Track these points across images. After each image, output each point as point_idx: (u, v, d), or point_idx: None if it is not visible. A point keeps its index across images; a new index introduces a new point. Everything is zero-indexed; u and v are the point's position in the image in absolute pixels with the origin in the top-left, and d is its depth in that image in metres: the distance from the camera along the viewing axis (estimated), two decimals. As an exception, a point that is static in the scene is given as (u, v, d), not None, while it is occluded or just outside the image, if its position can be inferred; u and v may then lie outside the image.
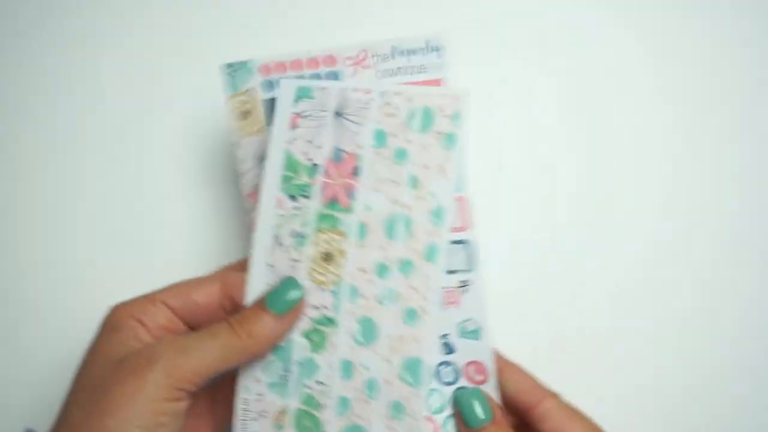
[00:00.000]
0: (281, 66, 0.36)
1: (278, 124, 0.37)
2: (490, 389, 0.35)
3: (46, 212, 0.46)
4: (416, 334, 0.34)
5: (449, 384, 0.35)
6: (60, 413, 0.31)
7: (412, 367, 0.34)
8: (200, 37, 0.47)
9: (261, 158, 0.36)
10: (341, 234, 0.36)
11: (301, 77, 0.36)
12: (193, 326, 0.34)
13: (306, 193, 0.36)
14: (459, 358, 0.35)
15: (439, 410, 0.35)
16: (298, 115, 0.37)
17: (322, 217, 0.36)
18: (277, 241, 0.36)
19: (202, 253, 0.44)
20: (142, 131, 0.46)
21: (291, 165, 0.37)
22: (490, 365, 0.35)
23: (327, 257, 0.36)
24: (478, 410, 0.33)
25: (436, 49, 0.36)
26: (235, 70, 0.37)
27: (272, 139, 0.37)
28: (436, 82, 0.36)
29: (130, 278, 0.44)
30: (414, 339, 0.34)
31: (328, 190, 0.36)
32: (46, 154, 0.46)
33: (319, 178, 0.36)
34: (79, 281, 0.45)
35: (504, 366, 0.35)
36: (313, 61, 0.36)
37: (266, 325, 0.32)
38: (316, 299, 0.35)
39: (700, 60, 0.45)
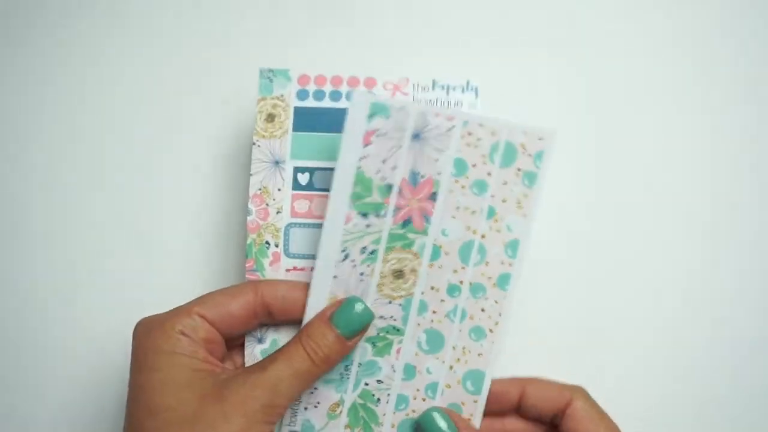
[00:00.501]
0: (321, 79, 0.37)
1: (349, 138, 0.36)
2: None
3: (62, 213, 0.45)
4: (481, 350, 0.38)
5: None
6: None
7: (474, 377, 0.39)
8: (231, 44, 0.47)
9: (276, 162, 0.37)
10: (414, 254, 0.37)
11: (338, 94, 0.37)
12: (227, 336, 0.35)
13: (378, 212, 0.37)
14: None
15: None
16: (371, 132, 0.35)
17: (395, 237, 0.37)
18: (346, 255, 0.38)
19: (210, 254, 0.45)
20: (162, 136, 0.46)
21: (362, 182, 0.36)
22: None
23: (398, 274, 0.38)
24: (441, 423, 0.36)
25: (474, 89, 0.38)
26: (273, 75, 0.37)
27: (342, 153, 0.36)
28: None
29: (140, 279, 0.44)
30: (478, 353, 0.38)
31: (403, 211, 0.36)
32: (63, 159, 0.45)
33: (393, 199, 0.36)
34: (91, 284, 0.45)
35: (525, 382, 0.37)
36: (354, 80, 0.38)
37: (338, 351, 0.34)
38: (385, 311, 0.38)
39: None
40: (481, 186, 0.37)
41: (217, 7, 0.47)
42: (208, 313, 0.33)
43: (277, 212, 0.36)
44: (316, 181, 0.36)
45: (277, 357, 0.33)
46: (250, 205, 0.36)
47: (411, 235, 0.38)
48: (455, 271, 0.38)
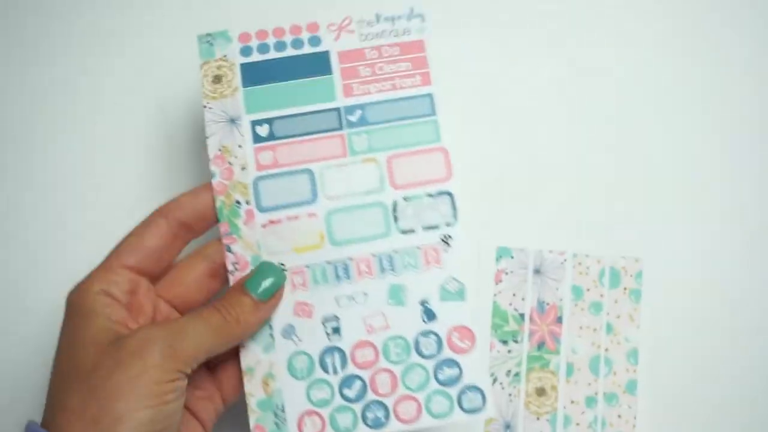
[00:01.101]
0: (263, 33, 0.36)
1: (486, 280, 0.46)
2: (478, 357, 0.34)
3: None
4: (624, 452, 0.43)
5: (431, 357, 0.34)
6: (51, 403, 0.30)
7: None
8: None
9: (232, 120, 0.35)
10: (552, 372, 0.45)
11: (282, 44, 0.36)
12: (153, 275, 0.34)
13: (516, 339, 0.45)
14: (441, 325, 0.35)
15: (422, 386, 0.34)
16: (501, 271, 0.45)
17: (533, 358, 0.45)
18: (494, 379, 0.44)
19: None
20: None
21: (499, 314, 0.45)
22: (476, 329, 0.35)
23: (540, 392, 0.45)
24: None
25: (420, 15, 0.37)
26: (213, 38, 0.36)
27: (483, 294, 0.45)
28: (418, 43, 0.37)
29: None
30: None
31: (536, 335, 0.45)
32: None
33: (527, 326, 0.45)
34: (41, 263, 0.44)
35: None
36: (296, 28, 0.36)
37: (250, 312, 0.33)
38: (534, 427, 0.44)
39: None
40: (596, 306, 0.45)
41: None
42: (129, 260, 0.33)
43: (242, 168, 0.35)
44: (277, 130, 0.35)
45: (187, 314, 0.33)
46: (213, 167, 0.35)
47: (546, 356, 0.45)
48: (589, 384, 0.45)
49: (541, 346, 0.45)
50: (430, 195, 0.35)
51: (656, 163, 0.46)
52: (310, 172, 0.35)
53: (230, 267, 0.35)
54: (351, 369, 0.34)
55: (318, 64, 0.36)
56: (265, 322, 0.34)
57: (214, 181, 0.35)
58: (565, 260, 0.45)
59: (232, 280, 0.35)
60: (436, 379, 0.34)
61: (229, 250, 0.35)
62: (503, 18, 0.47)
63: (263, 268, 0.34)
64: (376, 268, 0.35)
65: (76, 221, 0.45)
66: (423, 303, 0.35)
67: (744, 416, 0.43)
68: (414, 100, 0.36)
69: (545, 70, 0.47)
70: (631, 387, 0.44)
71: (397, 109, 0.36)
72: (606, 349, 0.44)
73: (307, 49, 0.36)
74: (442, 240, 0.35)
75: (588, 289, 0.45)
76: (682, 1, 0.48)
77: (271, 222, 0.35)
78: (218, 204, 0.35)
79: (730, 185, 0.45)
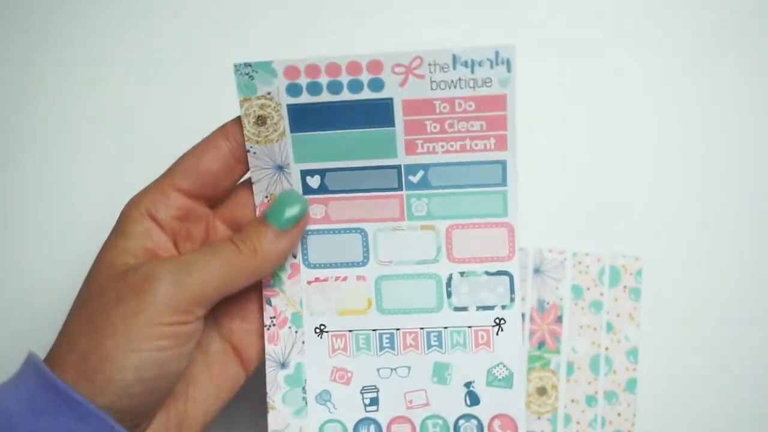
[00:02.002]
0: (314, 69, 0.30)
1: None
2: None
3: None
4: (623, 449, 0.44)
5: None
6: (63, 327, 0.28)
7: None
8: (209, 40, 0.44)
9: (279, 167, 0.32)
10: (552, 372, 0.45)
11: (338, 84, 0.31)
12: (211, 199, 0.31)
13: (518, 339, 0.45)
14: (484, 411, 0.33)
15: None
16: (502, 271, 0.45)
17: (533, 358, 0.45)
18: None
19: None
20: (150, 141, 0.44)
21: None
22: (521, 420, 0.33)
23: (541, 391, 0.45)
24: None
25: (505, 62, 0.31)
26: (253, 70, 0.31)
27: None
28: (499, 100, 0.31)
29: None
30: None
31: (536, 335, 0.45)
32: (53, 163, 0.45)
33: (527, 325, 0.45)
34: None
35: None
36: (355, 66, 0.30)
37: (271, 241, 0.30)
38: (536, 427, 0.44)
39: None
40: (596, 305, 0.45)
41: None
42: (182, 183, 0.30)
43: None
44: (330, 183, 0.32)
45: (201, 247, 0.31)
46: (258, 214, 0.32)
47: (546, 355, 0.45)
48: (589, 383, 0.45)
49: (541, 345, 0.45)
50: (489, 273, 0.33)
51: (656, 162, 0.45)
52: (363, 232, 0.33)
53: (267, 321, 0.32)
54: None
55: (379, 114, 0.31)
56: (288, 254, 0.31)
57: None
58: (565, 259, 0.45)
59: (267, 336, 0.33)
60: None
61: (269, 303, 0.33)
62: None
63: (286, 197, 0.31)
64: (423, 342, 0.33)
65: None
66: (468, 385, 0.33)
67: (744, 415, 0.44)
68: (484, 167, 0.32)
69: (543, 67, 0.46)
70: (631, 385, 0.44)
71: (464, 174, 0.32)
72: (606, 348, 0.44)
73: (366, 94, 0.31)
74: (496, 323, 0.33)
75: (588, 288, 0.45)
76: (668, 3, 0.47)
77: (317, 280, 0.33)
78: None
79: (730, 183, 0.45)
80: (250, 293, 0.33)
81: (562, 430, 0.44)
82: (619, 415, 0.44)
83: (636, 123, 0.46)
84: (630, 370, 0.44)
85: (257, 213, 0.32)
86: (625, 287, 0.44)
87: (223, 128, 0.31)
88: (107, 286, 0.28)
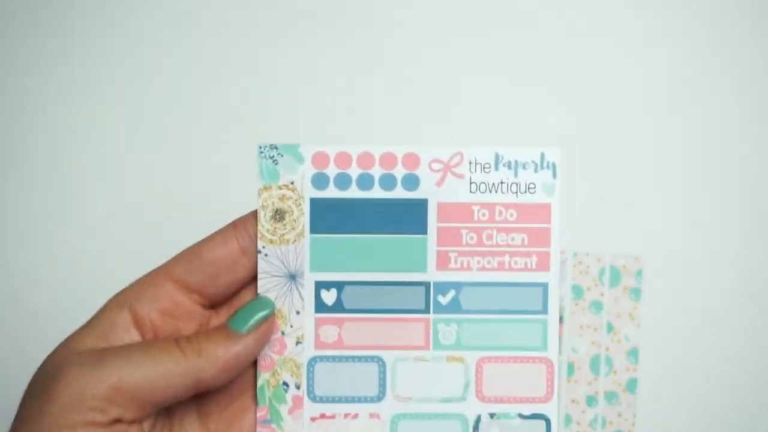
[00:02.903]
0: (345, 158, 0.28)
1: None
2: None
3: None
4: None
5: None
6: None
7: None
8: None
9: (292, 276, 0.28)
10: (552, 372, 0.45)
11: (369, 178, 0.28)
12: (212, 297, 0.27)
13: (517, 339, 0.45)
14: None
15: None
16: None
17: (534, 359, 0.45)
18: None
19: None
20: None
21: None
22: None
23: (542, 392, 0.45)
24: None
25: (551, 166, 0.28)
26: (279, 153, 0.28)
27: None
28: (545, 208, 0.28)
29: None
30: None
31: (537, 336, 0.45)
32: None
33: (526, 327, 0.45)
34: None
35: None
36: (390, 159, 0.28)
37: (220, 343, 0.25)
38: (537, 426, 0.44)
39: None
40: (596, 305, 0.44)
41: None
42: (177, 270, 0.27)
43: (297, 343, 0.28)
44: (347, 300, 0.28)
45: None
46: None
47: (547, 357, 0.45)
48: (590, 383, 0.45)
49: (541, 346, 0.45)
50: (522, 416, 0.29)
51: (657, 162, 0.45)
52: (381, 361, 0.28)
53: None
54: None
55: (411, 217, 0.28)
56: (245, 361, 0.26)
57: (261, 353, 0.28)
58: (566, 259, 0.45)
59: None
60: None
61: None
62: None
63: (254, 301, 0.27)
64: None
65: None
66: None
67: (743, 414, 0.44)
68: (524, 289, 0.28)
69: (544, 67, 0.46)
70: (632, 386, 0.44)
71: (501, 297, 0.28)
72: (606, 348, 0.44)
73: (399, 192, 0.28)
74: None
75: (588, 288, 0.45)
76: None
77: (323, 416, 0.28)
78: (260, 383, 0.28)
79: (730, 184, 0.45)
80: (250, 404, 0.28)
81: (563, 430, 0.44)
82: (619, 415, 0.44)
83: (636, 123, 0.45)
84: (630, 371, 0.44)
85: None
86: (625, 287, 0.44)
87: (234, 221, 0.28)
88: (36, 377, 0.24)
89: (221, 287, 0.27)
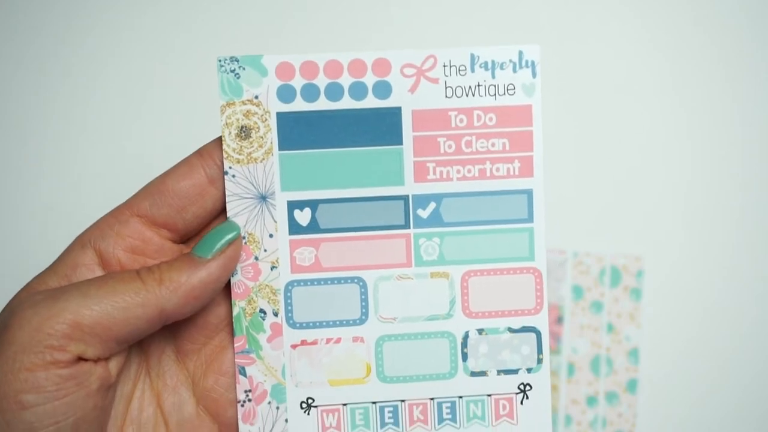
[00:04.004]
0: (311, 67, 0.26)
1: None
2: None
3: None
4: (624, 450, 0.44)
5: None
6: None
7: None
8: (198, 34, 0.41)
9: (262, 197, 0.26)
10: (553, 373, 0.45)
11: (338, 88, 0.26)
12: (181, 231, 0.26)
13: (517, 339, 0.44)
14: None
15: None
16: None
17: (534, 359, 0.45)
18: None
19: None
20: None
21: None
22: None
23: (542, 392, 0.45)
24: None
25: (531, 64, 0.27)
26: (240, 66, 0.26)
27: None
28: (525, 110, 0.27)
29: None
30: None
31: (537, 336, 0.45)
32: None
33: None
34: None
35: None
36: (359, 66, 0.26)
37: (183, 270, 0.24)
38: (537, 426, 0.44)
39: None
40: (597, 306, 0.44)
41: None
42: (142, 204, 0.25)
43: (272, 267, 0.27)
44: (322, 219, 0.27)
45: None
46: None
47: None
48: (590, 383, 0.45)
49: (541, 346, 0.45)
50: (512, 330, 0.27)
51: (657, 162, 0.45)
52: (361, 282, 0.27)
53: (241, 396, 0.26)
54: None
55: (385, 127, 0.26)
56: (211, 288, 0.25)
57: (234, 280, 0.26)
58: (566, 259, 0.45)
59: (242, 414, 0.26)
60: None
61: (243, 373, 0.26)
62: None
63: (219, 226, 0.25)
64: (433, 416, 0.27)
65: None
66: None
67: (744, 415, 0.44)
68: (507, 198, 0.27)
69: (547, 70, 0.46)
70: (632, 386, 0.44)
71: (483, 206, 0.27)
72: (607, 349, 0.44)
73: (371, 102, 0.26)
74: (520, 389, 0.27)
75: (588, 289, 0.44)
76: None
77: (304, 343, 0.27)
78: (235, 312, 0.26)
79: (731, 184, 0.45)
80: (229, 342, 0.27)
81: (563, 430, 0.44)
82: (619, 415, 0.44)
83: (637, 124, 0.46)
84: (631, 371, 0.44)
85: None
86: (625, 287, 0.44)
87: (200, 149, 0.26)
88: None
89: (190, 220, 0.26)
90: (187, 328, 0.26)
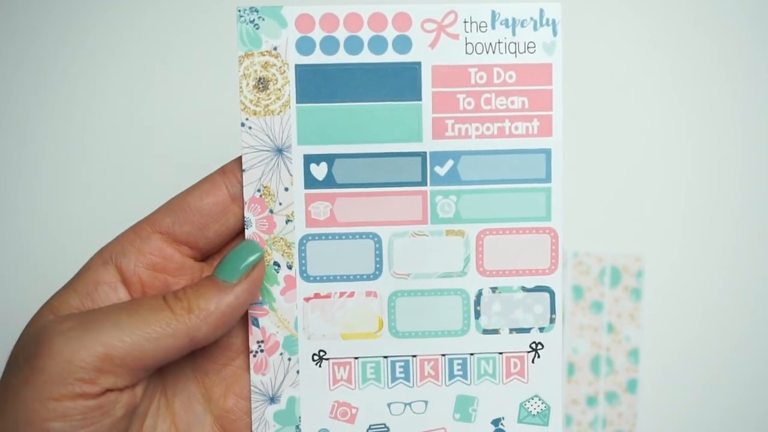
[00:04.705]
0: (331, 20, 0.26)
1: None
2: None
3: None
4: (625, 451, 0.44)
5: None
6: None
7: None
8: None
9: (279, 150, 0.26)
10: (553, 373, 0.45)
11: (358, 41, 0.26)
12: (202, 249, 0.25)
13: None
14: None
15: None
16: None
17: (534, 359, 0.45)
18: None
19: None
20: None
21: None
22: None
23: (542, 392, 0.45)
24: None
25: (552, 22, 0.27)
26: (259, 17, 0.26)
27: None
28: (545, 69, 0.27)
29: None
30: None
31: (537, 336, 0.45)
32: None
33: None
34: None
35: None
36: (379, 19, 0.26)
37: (211, 297, 0.23)
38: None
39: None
40: (597, 306, 0.44)
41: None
42: (164, 221, 0.25)
43: (287, 221, 0.27)
44: (339, 174, 0.27)
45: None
46: (248, 214, 0.26)
47: (547, 357, 0.45)
48: (590, 383, 0.45)
49: (541, 346, 0.45)
50: (525, 289, 0.27)
51: (657, 162, 0.45)
52: (376, 237, 0.27)
53: (253, 347, 0.26)
54: None
55: (404, 82, 0.26)
56: (237, 312, 0.25)
57: (249, 233, 0.26)
58: (566, 260, 0.45)
59: (254, 364, 0.26)
60: None
61: (256, 324, 0.26)
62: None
63: (239, 247, 0.25)
64: (445, 372, 0.27)
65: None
66: (496, 423, 0.27)
67: (744, 415, 0.44)
68: (525, 156, 0.27)
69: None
70: (632, 386, 0.44)
71: (501, 165, 0.27)
72: (607, 349, 0.44)
73: (390, 56, 0.26)
74: (531, 348, 0.27)
75: (588, 289, 0.44)
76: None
77: (317, 296, 0.27)
78: None
79: (731, 184, 0.45)
80: (247, 363, 0.26)
81: (563, 430, 0.44)
82: (620, 416, 0.44)
83: (637, 124, 0.46)
84: (631, 371, 0.44)
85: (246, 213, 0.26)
86: (625, 288, 0.44)
87: (223, 167, 0.26)
88: (21, 345, 0.23)
89: (211, 238, 0.25)
90: (210, 348, 0.26)
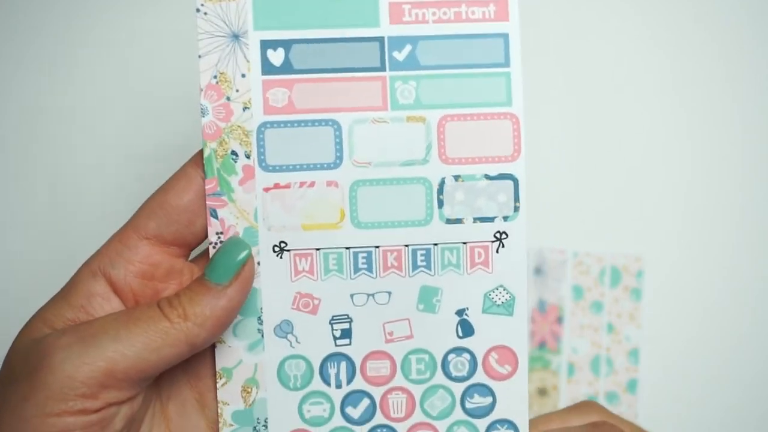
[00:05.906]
0: None
1: None
2: (518, 387, 0.27)
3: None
4: (625, 453, 0.44)
5: (460, 380, 0.27)
6: None
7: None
8: None
9: (235, 35, 0.26)
10: (553, 372, 0.45)
11: None
12: (189, 245, 0.26)
13: (517, 339, 0.44)
14: (479, 343, 0.27)
15: (444, 414, 0.27)
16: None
17: (534, 359, 0.45)
18: None
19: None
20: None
21: None
22: (522, 352, 0.27)
23: (542, 392, 0.45)
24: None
25: None
26: None
27: None
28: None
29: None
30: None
31: (537, 336, 0.45)
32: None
33: (528, 326, 0.45)
34: None
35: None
36: None
37: (206, 303, 0.23)
38: (536, 428, 0.44)
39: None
40: (597, 306, 0.44)
41: None
42: (148, 225, 0.25)
43: (244, 108, 0.26)
44: (296, 60, 0.26)
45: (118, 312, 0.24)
46: (204, 101, 0.25)
47: (547, 356, 0.45)
48: (590, 384, 0.45)
49: (542, 346, 0.45)
50: (489, 177, 0.27)
51: (657, 162, 0.45)
52: (336, 124, 0.26)
53: (212, 238, 0.26)
54: (359, 383, 0.27)
55: None
56: (232, 314, 0.25)
57: (205, 121, 0.25)
58: (567, 260, 0.45)
59: (212, 254, 0.25)
60: (463, 407, 0.27)
61: (214, 215, 0.26)
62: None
63: (225, 245, 0.25)
64: (408, 262, 0.27)
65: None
66: (460, 313, 0.27)
67: (744, 415, 0.44)
68: (483, 41, 0.26)
69: (547, 68, 0.46)
70: (632, 386, 0.44)
71: (460, 50, 0.26)
72: (607, 349, 0.44)
73: None
74: (496, 237, 0.27)
75: (589, 289, 0.44)
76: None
77: (277, 186, 0.26)
78: (207, 153, 0.25)
79: (731, 184, 0.45)
80: None
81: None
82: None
83: (637, 123, 0.46)
84: (631, 371, 0.44)
85: (202, 97, 0.25)
86: (625, 288, 0.44)
87: (193, 157, 0.26)
88: (16, 358, 0.22)
89: (198, 231, 0.25)
90: (203, 353, 0.26)
